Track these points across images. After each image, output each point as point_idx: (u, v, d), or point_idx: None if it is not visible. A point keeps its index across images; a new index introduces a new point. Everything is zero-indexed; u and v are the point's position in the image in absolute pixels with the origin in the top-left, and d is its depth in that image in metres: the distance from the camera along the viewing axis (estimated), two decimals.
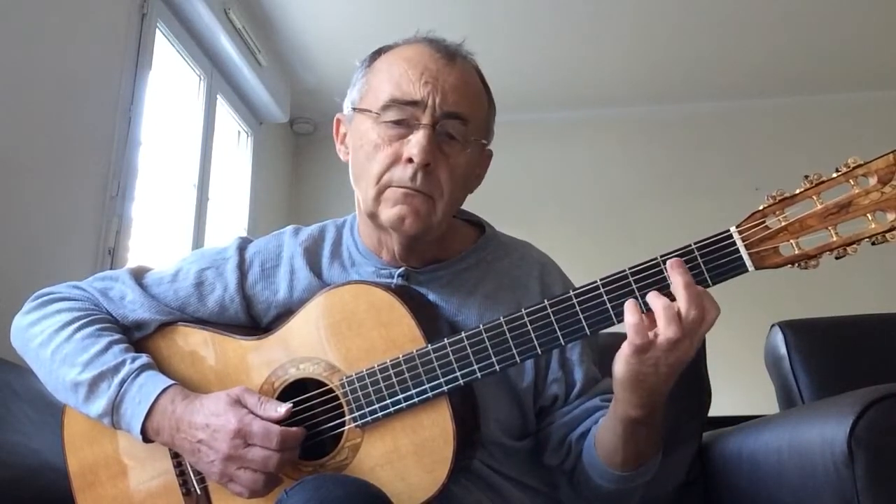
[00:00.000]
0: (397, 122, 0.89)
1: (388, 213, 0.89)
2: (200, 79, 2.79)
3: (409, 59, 0.91)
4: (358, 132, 0.93)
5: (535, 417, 0.97)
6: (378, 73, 0.93)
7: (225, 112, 3.01)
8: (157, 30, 2.40)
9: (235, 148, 3.19)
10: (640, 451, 0.85)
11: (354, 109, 0.94)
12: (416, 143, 0.87)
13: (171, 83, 2.59)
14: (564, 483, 0.96)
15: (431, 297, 0.95)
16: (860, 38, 3.09)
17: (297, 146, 3.82)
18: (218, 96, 2.90)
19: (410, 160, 0.87)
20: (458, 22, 2.84)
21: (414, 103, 0.88)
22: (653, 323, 0.74)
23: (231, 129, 3.15)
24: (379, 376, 0.85)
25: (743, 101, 3.51)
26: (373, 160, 0.89)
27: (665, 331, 0.73)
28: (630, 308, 0.75)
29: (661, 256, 0.76)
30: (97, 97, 2.05)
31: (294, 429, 0.83)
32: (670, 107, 3.57)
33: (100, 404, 0.88)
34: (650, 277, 0.76)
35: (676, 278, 0.74)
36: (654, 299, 0.75)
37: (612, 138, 3.61)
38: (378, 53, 0.96)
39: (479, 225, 1.05)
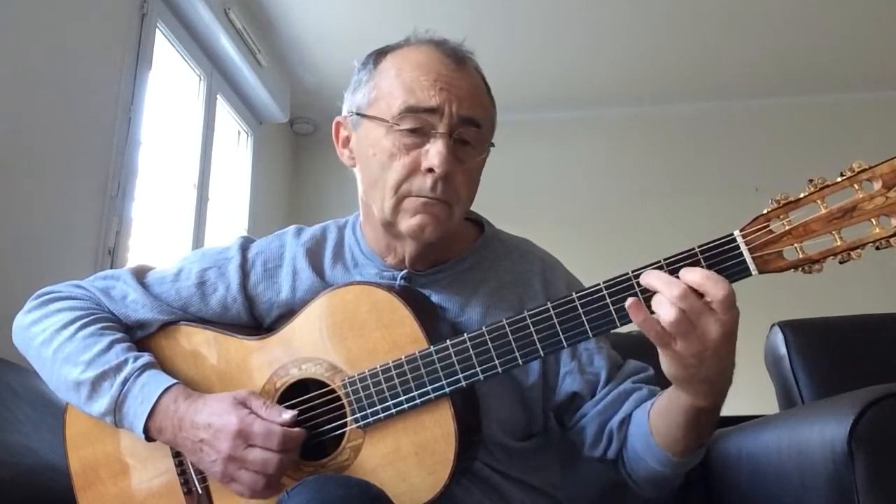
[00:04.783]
0: (412, 131, 0.88)
1: (408, 222, 0.89)
2: (200, 79, 2.79)
3: (419, 64, 0.90)
4: (368, 139, 0.92)
5: (552, 415, 0.96)
6: (386, 77, 0.91)
7: (225, 112, 3.01)
8: (157, 30, 2.40)
9: (235, 148, 3.19)
10: (701, 435, 0.84)
11: (362, 115, 0.93)
12: (436, 153, 0.86)
13: (171, 83, 2.59)
14: (609, 471, 0.94)
15: (434, 298, 0.95)
16: (860, 38, 3.09)
17: (297, 146, 3.82)
18: (218, 96, 2.89)
19: (430, 170, 0.86)
20: (457, 21, 2.84)
21: (431, 111, 0.87)
22: None
23: (231, 129, 3.15)
24: (381, 377, 0.85)
25: (743, 101, 3.51)
26: (389, 169, 0.89)
27: (661, 313, 0.71)
28: (633, 308, 0.73)
29: (665, 259, 0.76)
30: (97, 97, 2.05)
31: (295, 430, 0.83)
32: (670, 107, 3.57)
33: (102, 403, 0.88)
34: None
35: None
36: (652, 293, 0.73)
37: (612, 138, 3.61)
38: (381, 56, 0.95)
39: (478, 222, 1.05)
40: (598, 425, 0.93)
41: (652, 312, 0.73)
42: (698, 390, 0.77)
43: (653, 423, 0.86)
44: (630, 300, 0.73)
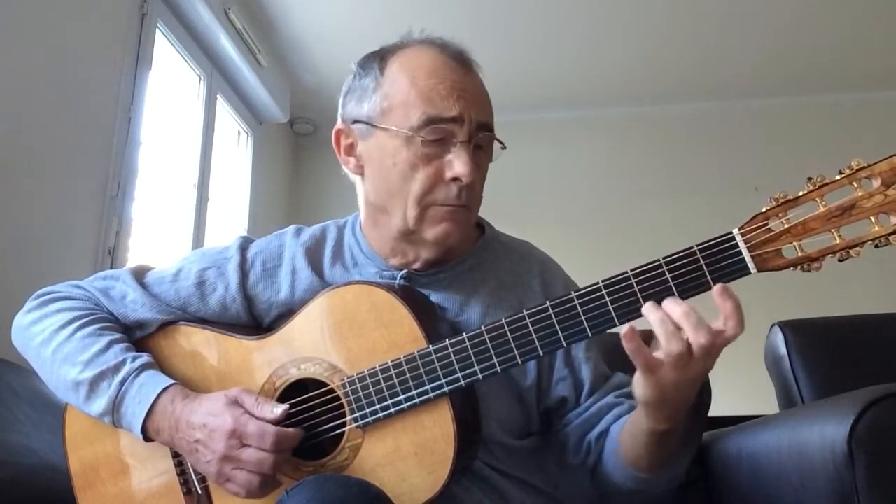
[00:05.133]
0: (433, 141, 0.87)
1: (434, 231, 0.90)
2: (200, 79, 2.79)
3: (432, 71, 0.89)
4: (385, 150, 0.90)
5: (541, 417, 0.97)
6: (396, 85, 0.90)
7: (225, 112, 3.01)
8: (157, 30, 2.40)
9: (235, 148, 3.19)
10: (667, 454, 0.85)
11: (374, 126, 0.91)
12: (462, 163, 0.86)
13: (171, 83, 2.59)
14: (587, 480, 0.96)
15: (434, 298, 0.95)
16: (860, 39, 3.09)
17: (297, 146, 3.82)
18: (218, 96, 2.89)
19: (455, 179, 0.87)
20: (458, 21, 2.84)
21: (452, 120, 0.87)
22: (656, 342, 0.74)
23: (231, 129, 3.15)
24: (380, 376, 0.85)
25: (743, 101, 3.51)
26: (411, 180, 0.88)
27: (670, 345, 0.72)
28: (627, 336, 0.73)
29: (664, 258, 0.76)
30: (97, 97, 2.05)
31: (290, 430, 0.83)
32: (670, 107, 3.57)
33: (100, 403, 0.88)
34: (652, 279, 0.76)
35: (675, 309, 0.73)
36: (651, 312, 0.74)
37: (612, 138, 3.61)
38: (383, 60, 0.93)
39: (478, 224, 1.05)
40: (580, 435, 0.94)
41: (639, 313, 0.74)
42: (661, 415, 0.78)
43: (621, 440, 0.88)
44: (626, 329, 0.73)
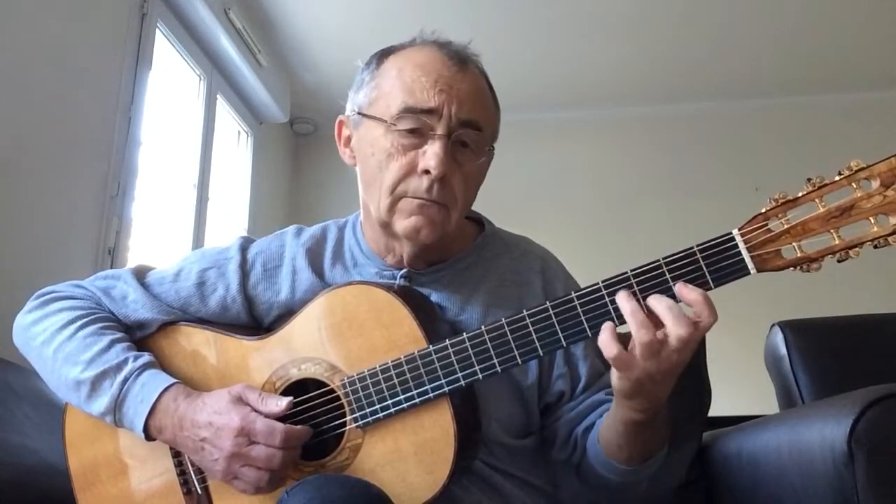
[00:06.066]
0: (411, 131, 0.88)
1: (403, 223, 0.89)
2: (200, 79, 2.79)
3: (421, 64, 0.90)
4: (367, 139, 0.92)
5: (541, 414, 0.97)
6: (388, 77, 0.91)
7: (225, 112, 3.01)
8: (157, 30, 2.40)
9: (235, 148, 3.19)
10: (646, 448, 0.86)
11: (362, 115, 0.93)
12: (432, 154, 0.86)
13: (171, 83, 2.59)
14: (573, 476, 0.97)
15: (434, 297, 0.95)
16: (860, 39, 3.09)
17: (297, 146, 3.82)
18: (218, 96, 2.89)
19: (426, 171, 0.86)
20: (458, 21, 2.84)
21: (429, 112, 0.87)
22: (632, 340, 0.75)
23: (231, 129, 3.14)
24: (380, 377, 0.85)
25: (743, 101, 3.51)
26: (385, 170, 0.89)
27: (637, 335, 0.73)
28: (606, 327, 0.76)
29: (664, 258, 0.76)
30: (97, 97, 2.05)
31: (298, 427, 0.83)
32: (670, 107, 3.57)
33: (102, 402, 0.88)
34: (652, 279, 0.76)
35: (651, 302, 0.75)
36: (624, 301, 0.75)
37: (612, 138, 3.61)
38: (385, 55, 0.94)
39: (478, 221, 1.05)
40: (569, 430, 0.95)
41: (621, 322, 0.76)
42: (637, 405, 0.79)
43: (602, 431, 0.89)
44: (606, 324, 0.76)
